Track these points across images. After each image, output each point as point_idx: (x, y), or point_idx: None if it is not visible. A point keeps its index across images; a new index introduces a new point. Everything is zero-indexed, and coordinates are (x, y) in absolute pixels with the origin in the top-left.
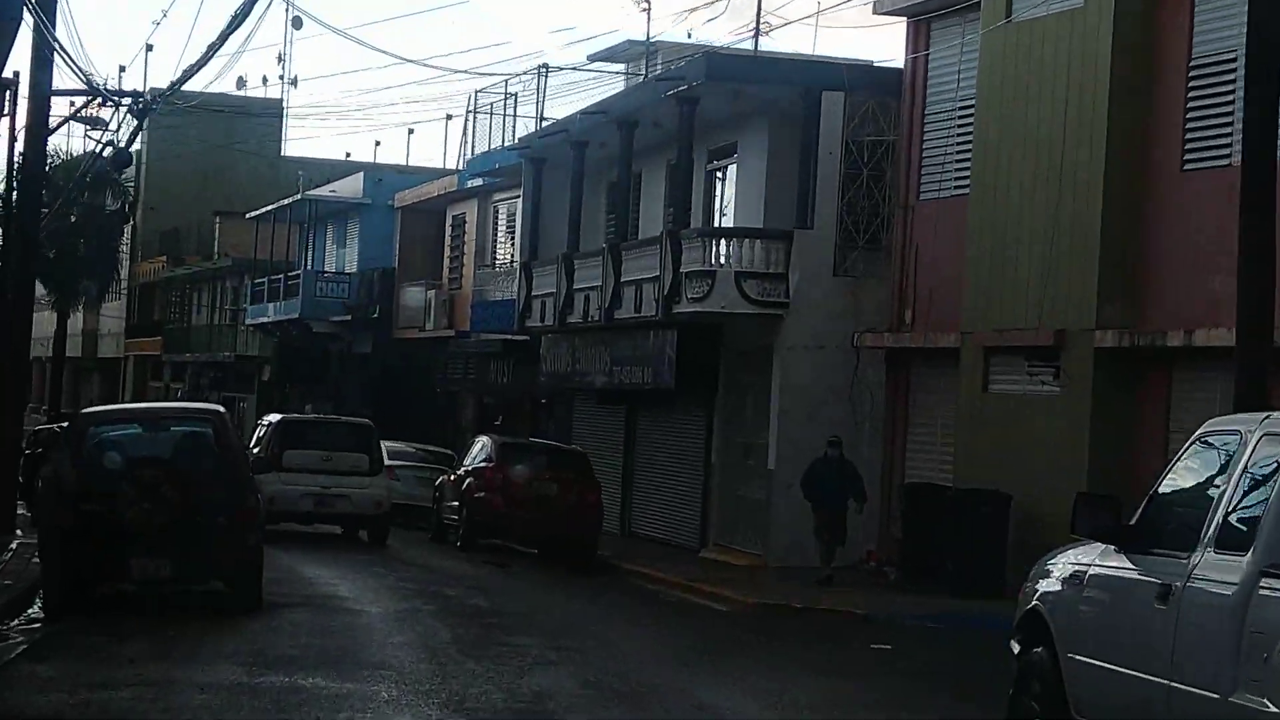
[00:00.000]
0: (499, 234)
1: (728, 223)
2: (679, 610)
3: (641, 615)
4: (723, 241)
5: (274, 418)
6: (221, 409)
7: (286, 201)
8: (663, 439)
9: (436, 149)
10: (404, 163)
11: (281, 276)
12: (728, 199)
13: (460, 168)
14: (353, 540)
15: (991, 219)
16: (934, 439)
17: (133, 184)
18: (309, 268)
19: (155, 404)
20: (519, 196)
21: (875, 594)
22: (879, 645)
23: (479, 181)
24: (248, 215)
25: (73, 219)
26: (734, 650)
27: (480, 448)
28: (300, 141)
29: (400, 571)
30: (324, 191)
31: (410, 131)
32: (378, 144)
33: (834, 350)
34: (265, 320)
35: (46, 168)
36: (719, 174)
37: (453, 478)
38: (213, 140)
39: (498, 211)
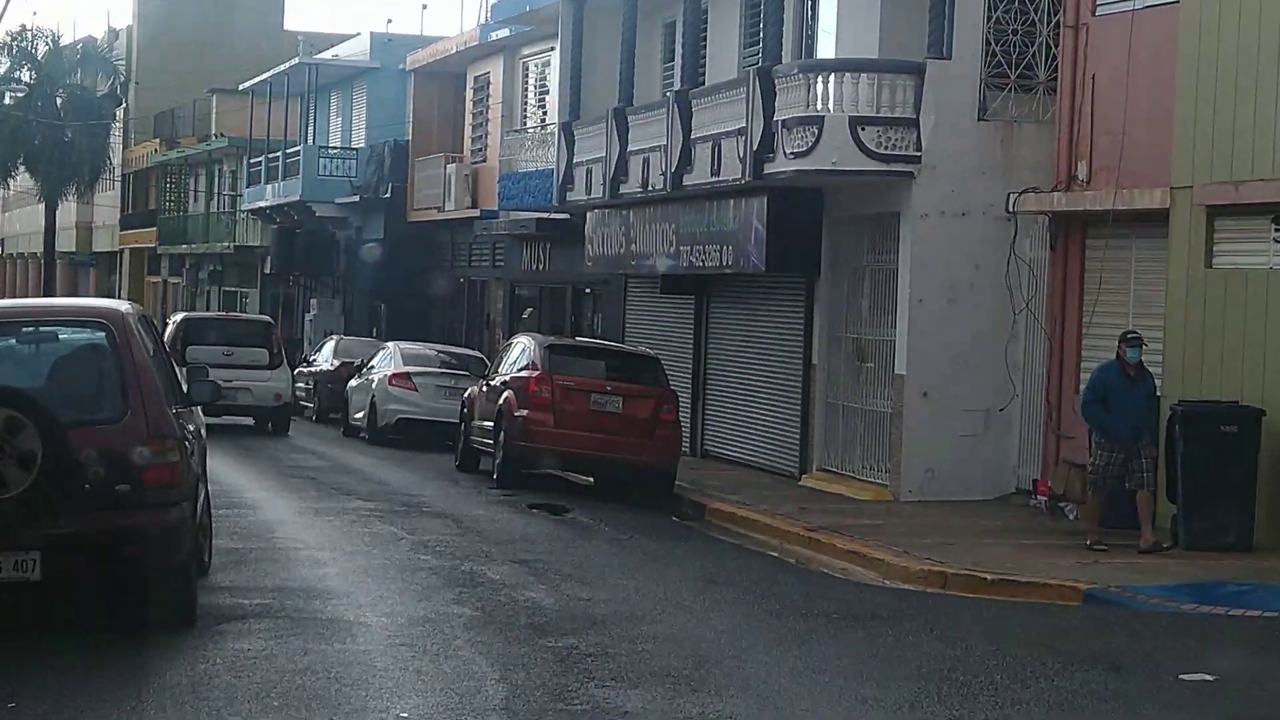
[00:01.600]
0: (529, 96)
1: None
2: (826, 590)
3: (785, 610)
4: (832, 78)
5: (179, 316)
6: (126, 308)
7: (284, 67)
8: (747, 336)
9: (452, 22)
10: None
11: (280, 154)
12: (829, 28)
13: (483, 20)
14: (355, 474)
15: (1217, 28)
16: (1119, 332)
17: (123, 62)
18: (310, 143)
19: (24, 301)
20: (553, 49)
21: (1076, 549)
22: (1189, 676)
23: (505, 33)
24: (241, 86)
25: (59, 102)
26: (977, 692)
27: (521, 351)
28: (304, 15)
29: (416, 528)
30: (327, 56)
31: (424, 6)
32: (389, 21)
33: (981, 217)
34: (263, 204)
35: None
36: None
37: (485, 389)
38: (209, 13)
39: (527, 69)
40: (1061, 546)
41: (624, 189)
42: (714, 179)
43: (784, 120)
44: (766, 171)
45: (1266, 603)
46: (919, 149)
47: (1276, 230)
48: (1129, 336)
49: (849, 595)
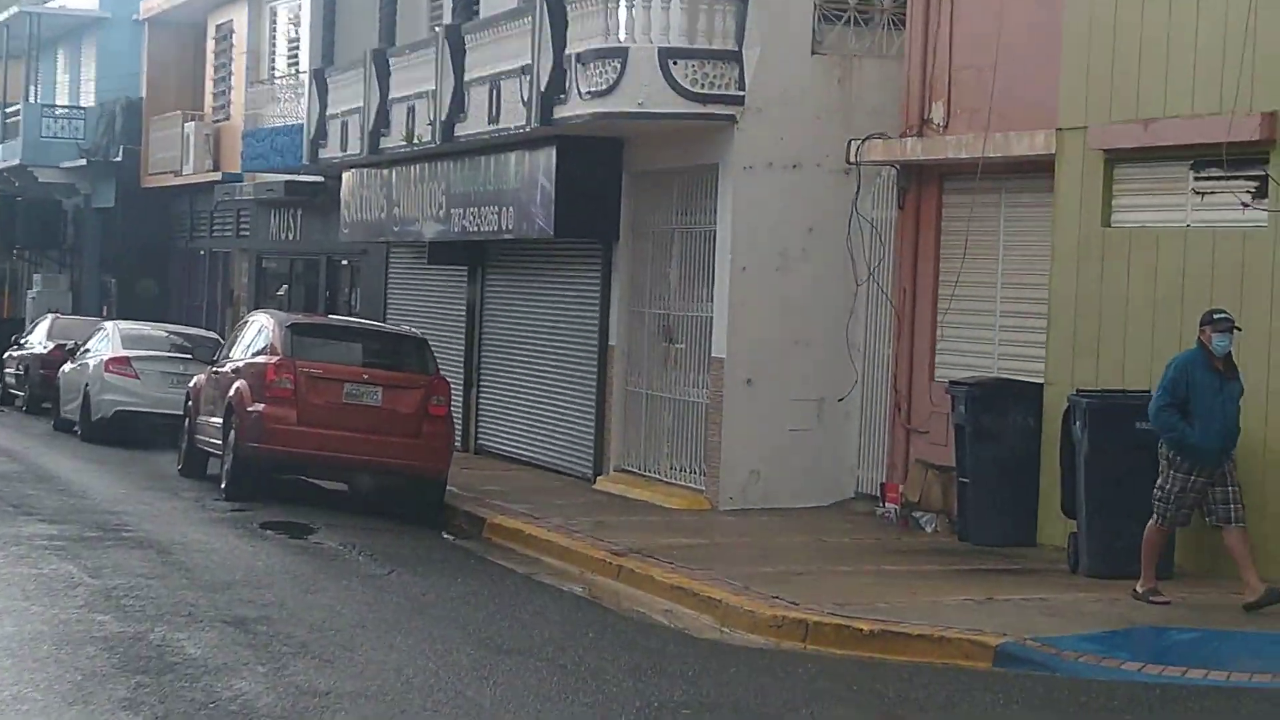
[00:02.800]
0: (278, 46)
1: None
2: (658, 655)
3: (613, 700)
4: (638, 1)
5: None
6: None
7: (1, 18)
8: (532, 312)
9: None
10: None
11: None
12: None
13: None
14: (51, 483)
15: None
16: (993, 307)
17: None
18: (32, 101)
19: None
20: None
21: (952, 576)
22: None
23: None
24: None
25: None
26: None
27: (257, 332)
28: None
29: (105, 566)
30: (51, 6)
31: None
32: None
33: (816, 170)
34: None
35: None
36: None
37: (213, 377)
38: None
39: (275, 15)
40: (938, 573)
41: (385, 143)
42: (492, 128)
43: (578, 54)
44: (557, 117)
45: (1224, 658)
46: (742, 88)
47: (1198, 179)
48: (1217, 318)
49: (692, 663)
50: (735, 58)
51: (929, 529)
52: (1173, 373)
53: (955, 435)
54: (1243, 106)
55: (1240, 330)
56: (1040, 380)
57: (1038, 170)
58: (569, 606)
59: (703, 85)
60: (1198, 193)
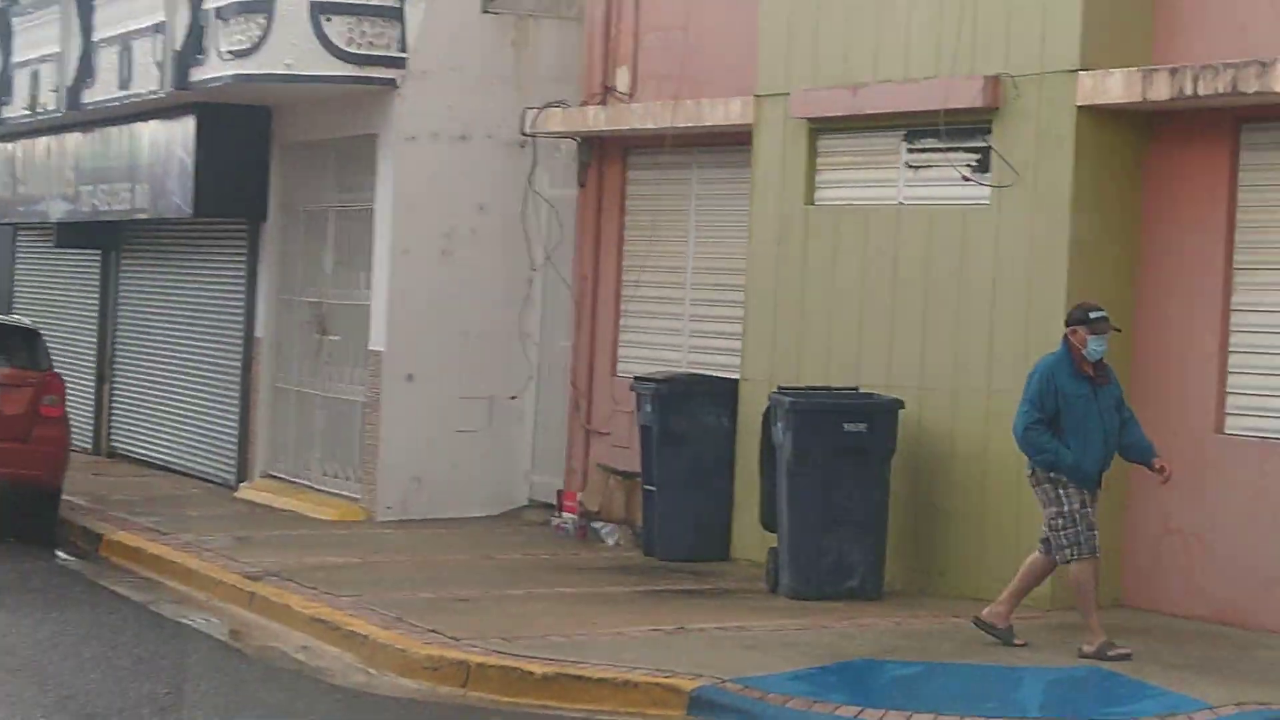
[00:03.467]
0: None
1: None
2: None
3: None
4: None
5: None
6: None
7: None
8: (169, 300)
9: None
10: None
11: None
12: None
13: None
14: None
15: None
16: (682, 294)
17: None
18: None
19: None
20: None
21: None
22: None
23: None
24: None
25: None
26: None
27: None
28: None
29: None
30: None
31: None
32: None
33: (487, 142)
34: None
35: None
36: None
37: None
38: None
39: None
40: (623, 597)
41: (7, 113)
42: (123, 94)
43: (218, 8)
44: (194, 80)
45: (951, 696)
46: (404, 49)
47: (912, 151)
48: (1094, 317)
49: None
50: (397, 15)
51: (611, 542)
52: (1037, 383)
53: (640, 437)
54: (962, 69)
55: (1119, 331)
56: (736, 376)
57: (735, 142)
58: (185, 647)
59: (360, 45)
60: (912, 166)
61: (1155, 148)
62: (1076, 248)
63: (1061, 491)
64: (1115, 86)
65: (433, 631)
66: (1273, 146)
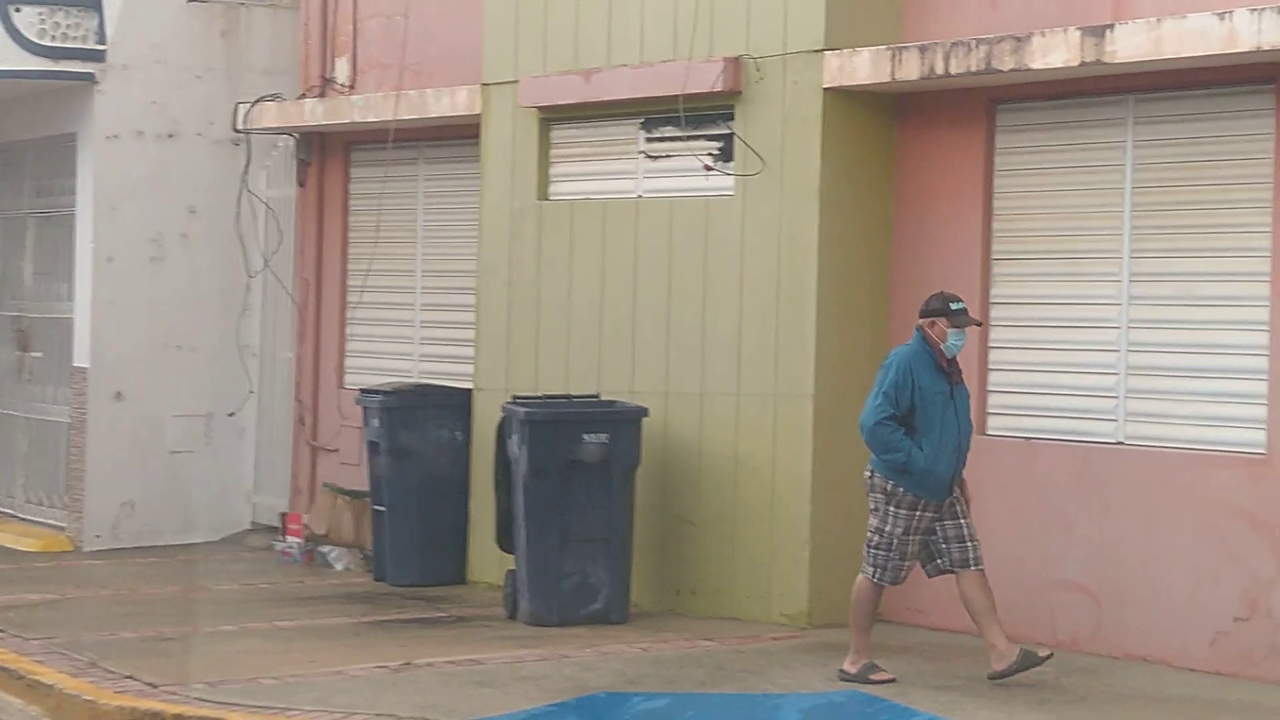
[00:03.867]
0: None
1: None
2: None
3: None
4: None
5: None
6: None
7: None
8: None
9: None
10: None
11: None
12: None
13: None
14: None
15: None
16: (413, 300)
17: None
18: None
19: None
20: None
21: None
22: None
23: None
24: None
25: None
26: None
27: None
28: None
29: None
30: None
31: None
32: None
33: (197, 140)
34: None
35: None
36: None
37: None
38: None
39: None
40: (347, 629)
41: None
42: None
43: None
44: None
45: None
46: (102, 41)
47: (651, 140)
48: (955, 309)
49: None
50: (94, 4)
51: (339, 567)
52: (895, 375)
53: (368, 454)
54: (701, 52)
55: (979, 325)
56: (470, 386)
57: (464, 135)
58: None
59: (54, 37)
60: (651, 156)
61: (908, 131)
62: (827, 239)
63: (892, 509)
64: (863, 67)
65: (129, 678)
66: (1029, 128)
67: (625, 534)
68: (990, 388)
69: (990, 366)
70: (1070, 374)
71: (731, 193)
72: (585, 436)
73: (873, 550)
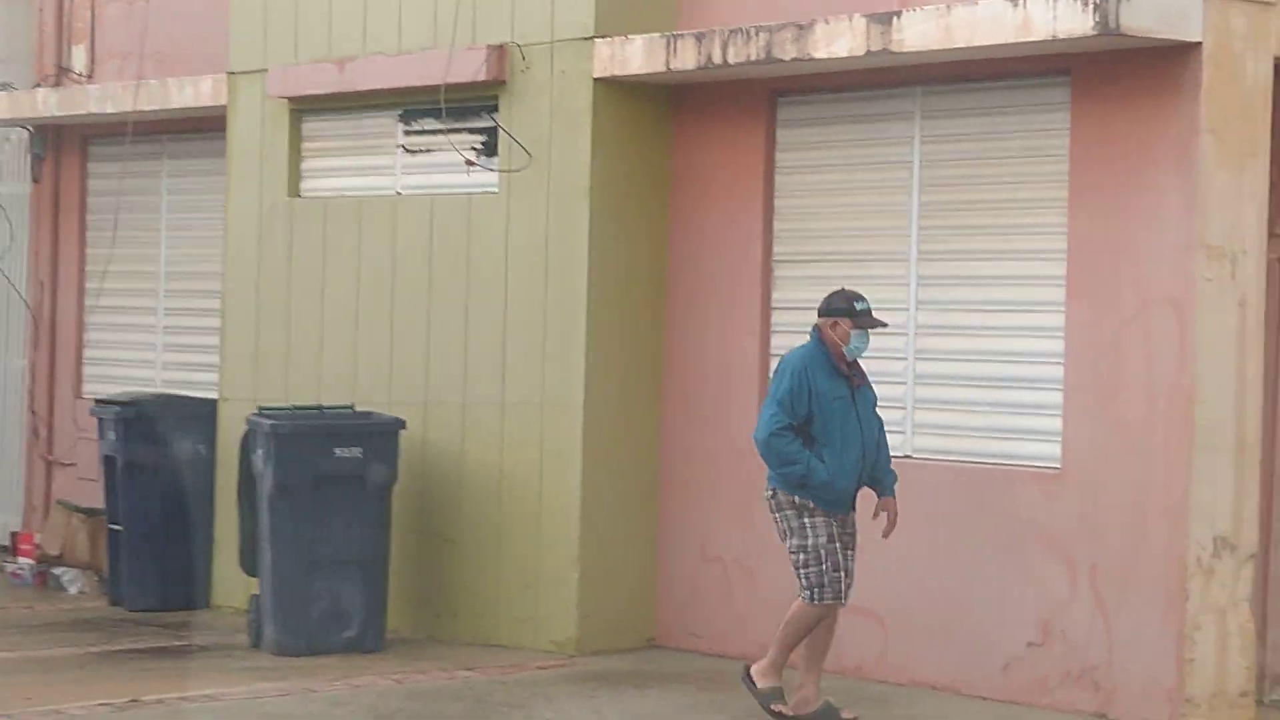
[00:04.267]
0: None
1: None
2: None
3: None
4: None
5: None
6: None
7: None
8: None
9: None
10: None
11: None
12: None
13: None
14: None
15: None
16: (155, 304)
17: None
18: None
19: None
20: None
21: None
22: None
23: None
24: None
25: None
26: None
27: None
28: None
29: None
30: None
31: None
32: None
33: None
34: None
35: None
36: None
37: None
38: None
39: None
40: (72, 660)
41: None
42: None
43: None
44: None
45: None
46: None
47: (410, 134)
48: (860, 308)
49: None
50: None
51: (73, 591)
52: (789, 380)
53: (103, 469)
54: (464, 39)
55: (885, 326)
56: (216, 396)
57: (209, 128)
58: None
59: None
60: (410, 150)
61: (686, 125)
62: (598, 238)
63: (808, 521)
64: (636, 55)
65: None
66: (813, 122)
67: (381, 555)
68: None
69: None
70: None
71: (496, 189)
72: (336, 450)
73: (803, 571)
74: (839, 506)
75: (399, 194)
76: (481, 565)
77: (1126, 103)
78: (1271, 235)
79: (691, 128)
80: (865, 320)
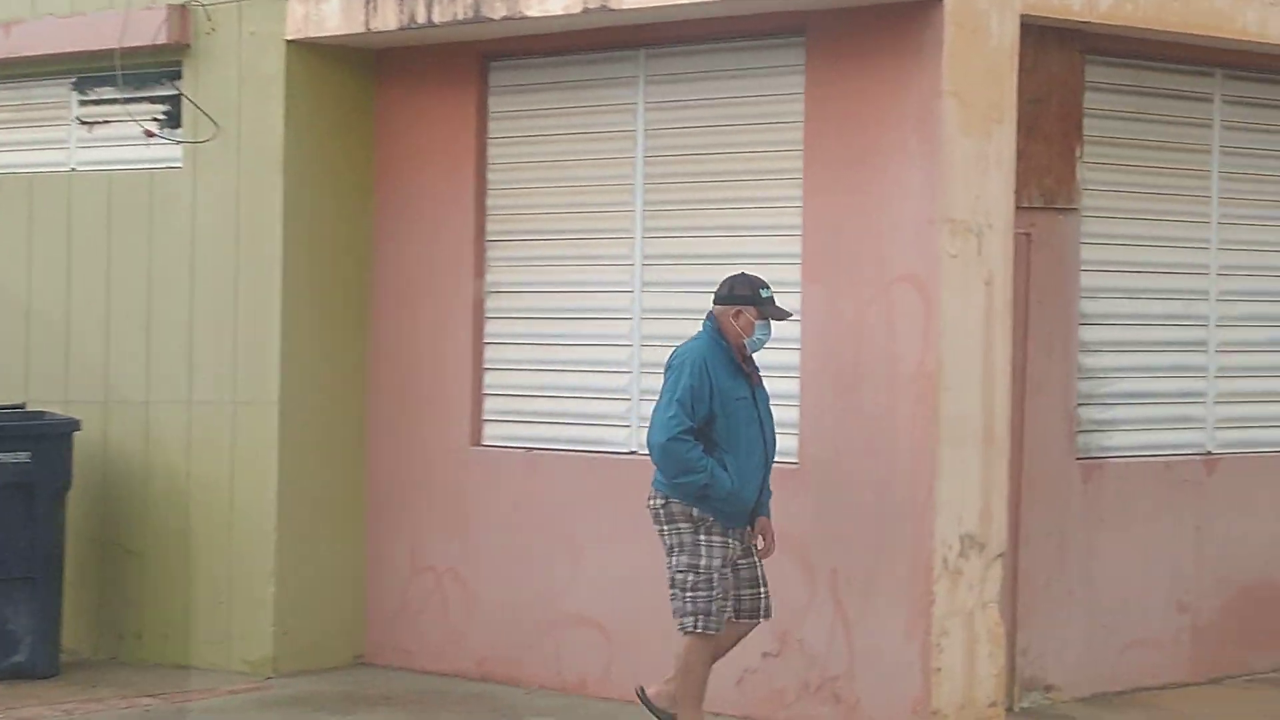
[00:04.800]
0: None
1: None
2: None
3: None
4: None
5: None
6: None
7: None
8: None
9: None
10: None
11: None
12: None
13: None
14: None
15: None
16: None
17: None
18: None
19: None
20: None
21: None
22: None
23: None
24: None
25: None
26: None
27: None
28: None
29: None
30: None
31: None
32: None
33: None
34: None
35: None
36: None
37: None
38: None
39: None
40: None
41: None
42: None
43: None
44: None
45: None
46: None
47: (84, 104)
48: (765, 295)
49: None
50: None
51: None
52: (689, 377)
53: None
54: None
55: (791, 316)
56: None
57: None
58: None
59: None
60: (86, 122)
61: (390, 92)
62: (294, 217)
63: (703, 538)
64: (332, 15)
65: None
66: (528, 89)
67: (54, 569)
68: (486, 390)
69: (486, 365)
70: (579, 373)
71: (180, 164)
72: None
73: (690, 595)
74: (739, 520)
75: (74, 170)
76: (168, 579)
77: (865, 65)
78: (1019, 208)
79: (397, 96)
80: (772, 309)
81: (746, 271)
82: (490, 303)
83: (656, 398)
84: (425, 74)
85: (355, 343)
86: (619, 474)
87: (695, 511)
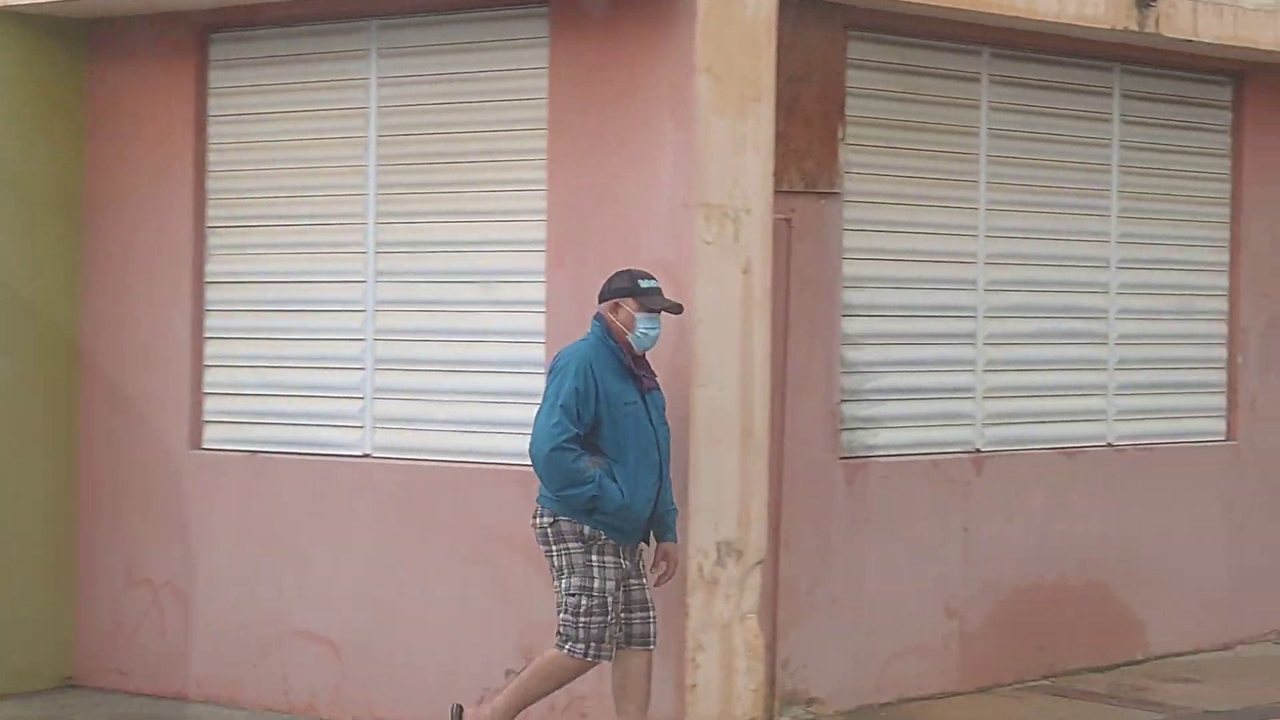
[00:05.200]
0: None
1: None
2: None
3: None
4: None
5: None
6: None
7: None
8: None
9: None
10: None
11: None
12: None
13: None
14: None
15: None
16: None
17: None
18: None
19: None
20: None
21: None
22: None
23: None
24: None
25: None
26: None
27: None
28: None
29: None
30: None
31: None
32: None
33: None
34: None
35: None
36: None
37: None
38: None
39: None
40: None
41: None
42: None
43: None
44: None
45: None
46: None
47: None
48: (646, 285)
49: None
50: None
51: None
52: (573, 380)
53: None
54: None
55: (679, 310)
56: None
57: None
58: None
59: None
60: None
61: (102, 66)
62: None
63: (595, 559)
64: None
65: None
66: (251, 63)
67: None
68: (206, 389)
69: (206, 362)
70: (308, 370)
71: None
72: None
73: (584, 620)
74: (632, 537)
75: None
76: None
77: (613, 37)
78: (779, 192)
79: (110, 70)
80: (654, 300)
81: (632, 267)
82: (210, 294)
83: (390, 396)
84: (140, 47)
85: (63, 336)
86: (351, 478)
87: (586, 530)
